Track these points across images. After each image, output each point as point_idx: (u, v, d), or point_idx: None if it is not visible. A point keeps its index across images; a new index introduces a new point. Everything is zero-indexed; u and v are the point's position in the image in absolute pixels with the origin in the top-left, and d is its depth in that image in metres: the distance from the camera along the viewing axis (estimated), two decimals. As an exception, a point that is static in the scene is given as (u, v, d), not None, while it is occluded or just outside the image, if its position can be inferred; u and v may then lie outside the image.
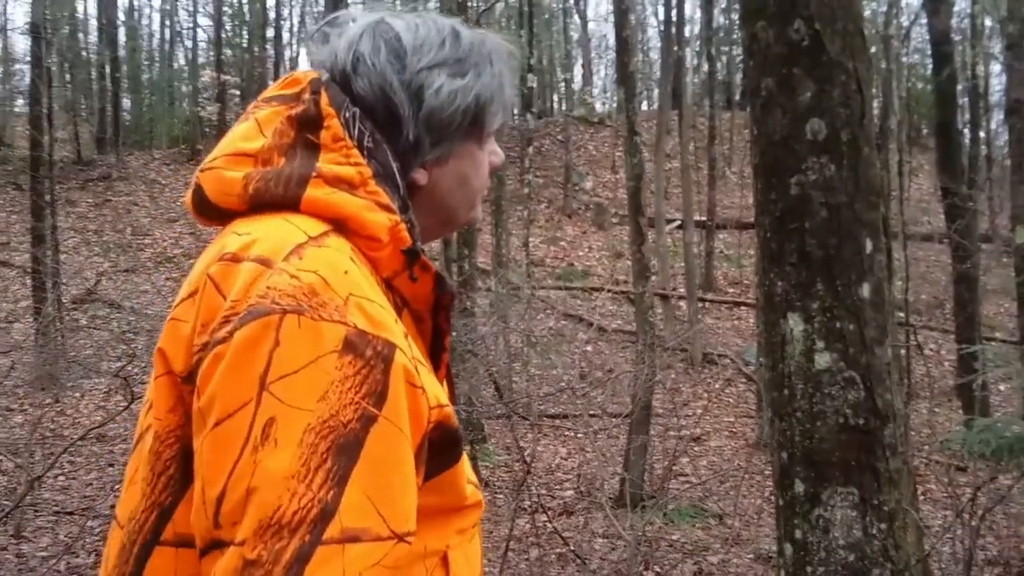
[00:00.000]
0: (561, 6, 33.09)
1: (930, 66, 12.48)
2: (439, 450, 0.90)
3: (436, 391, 0.90)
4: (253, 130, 0.97)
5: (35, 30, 12.83)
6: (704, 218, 18.13)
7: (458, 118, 1.03)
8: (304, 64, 1.10)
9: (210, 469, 0.78)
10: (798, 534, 2.53)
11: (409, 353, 0.86)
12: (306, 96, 0.97)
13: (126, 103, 26.87)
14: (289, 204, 0.92)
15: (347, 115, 0.97)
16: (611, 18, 25.95)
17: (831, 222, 2.47)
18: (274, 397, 0.77)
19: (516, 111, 27.15)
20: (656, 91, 25.83)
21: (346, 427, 0.78)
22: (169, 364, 0.87)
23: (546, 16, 31.52)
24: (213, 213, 0.97)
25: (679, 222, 17.57)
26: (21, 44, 25.41)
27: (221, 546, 0.76)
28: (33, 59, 13.21)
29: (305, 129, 0.95)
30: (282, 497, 0.75)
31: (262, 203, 0.92)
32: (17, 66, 24.72)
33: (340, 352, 0.80)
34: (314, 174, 0.92)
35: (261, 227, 0.89)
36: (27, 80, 15.45)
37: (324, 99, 0.96)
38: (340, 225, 0.92)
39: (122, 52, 25.01)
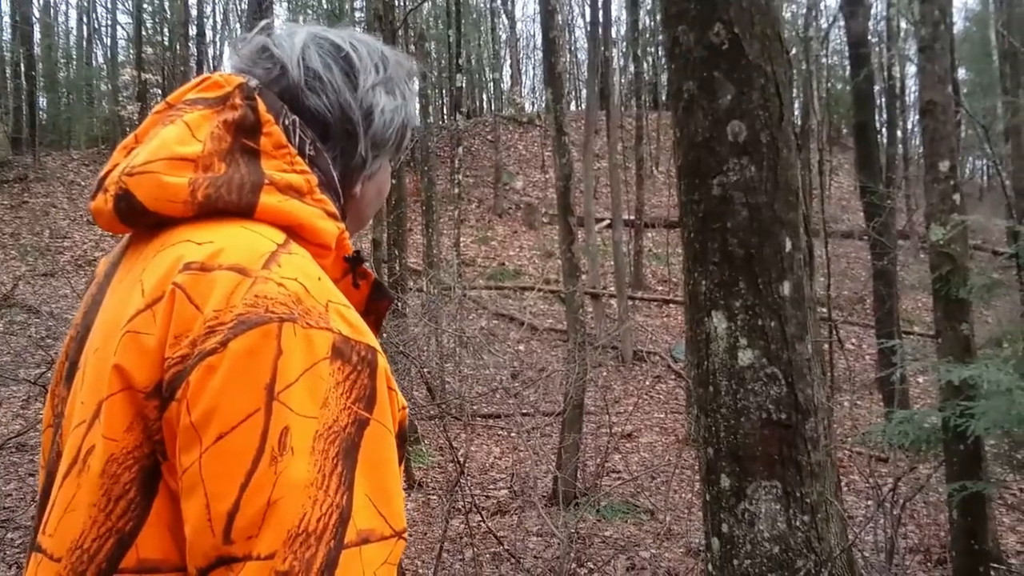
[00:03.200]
0: (489, 6, 33.17)
1: (848, 68, 12.78)
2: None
3: (400, 393, 0.91)
4: (186, 134, 0.94)
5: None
6: (632, 217, 18.34)
7: (394, 136, 1.08)
8: (228, 66, 1.08)
9: (217, 483, 0.76)
10: (724, 528, 2.58)
11: (384, 357, 0.87)
12: (237, 101, 0.96)
13: (42, 102, 26.08)
14: (244, 211, 0.90)
15: (286, 122, 0.97)
16: (538, 18, 26.11)
17: (752, 222, 2.52)
18: (284, 406, 0.77)
19: (446, 111, 27.13)
20: (584, 91, 26.03)
21: (345, 431, 0.79)
22: (129, 379, 0.82)
23: (474, 16, 31.57)
24: (145, 220, 0.93)
25: (608, 221, 17.73)
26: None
27: (232, 562, 0.75)
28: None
29: (243, 135, 0.94)
30: (305, 505, 0.75)
31: (213, 210, 0.90)
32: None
33: (331, 358, 0.80)
34: (266, 181, 0.92)
35: (222, 235, 0.87)
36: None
37: (261, 105, 0.95)
38: (293, 233, 0.92)
39: (37, 50, 24.20)
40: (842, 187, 24.35)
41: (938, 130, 5.40)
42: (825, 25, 20.34)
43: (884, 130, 17.61)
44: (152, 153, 0.93)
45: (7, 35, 25.13)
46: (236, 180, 0.91)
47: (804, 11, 16.70)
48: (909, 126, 26.84)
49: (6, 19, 25.32)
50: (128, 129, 22.70)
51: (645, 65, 27.31)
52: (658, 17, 26.46)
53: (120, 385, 0.82)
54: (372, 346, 0.84)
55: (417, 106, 1.14)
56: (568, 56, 30.27)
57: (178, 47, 24.83)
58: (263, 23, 1.08)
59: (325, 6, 27.54)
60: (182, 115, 0.97)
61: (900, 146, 22.58)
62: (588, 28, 20.81)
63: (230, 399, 0.77)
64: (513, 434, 8.98)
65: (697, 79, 2.55)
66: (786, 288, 2.53)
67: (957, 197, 5.38)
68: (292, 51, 1.01)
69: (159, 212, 0.91)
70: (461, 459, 6.15)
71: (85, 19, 29.47)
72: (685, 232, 2.70)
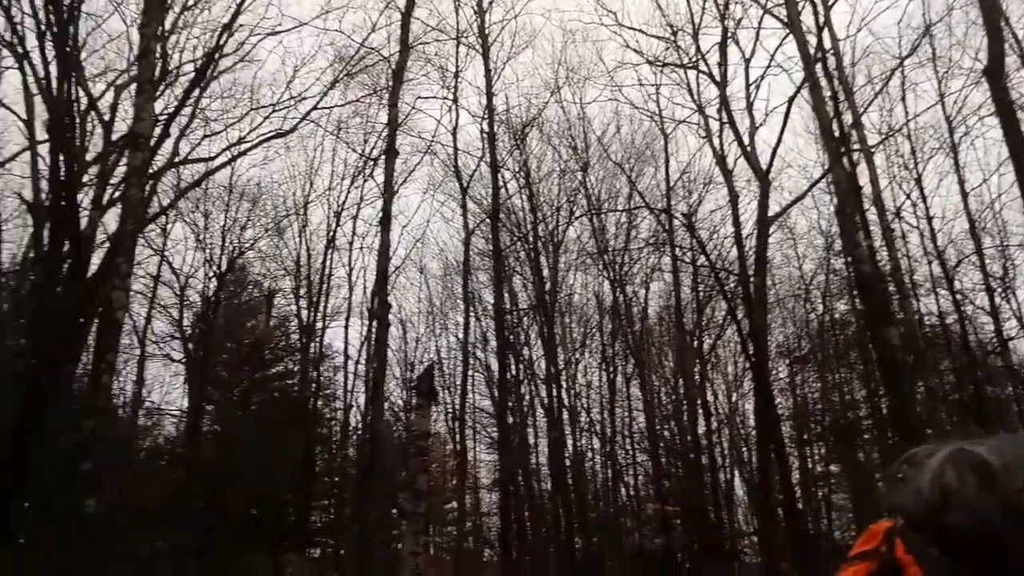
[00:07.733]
0: None
1: None
2: None
3: None
4: None
5: (503, 486, 14.35)
6: None
7: None
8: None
9: None
10: None
11: None
12: (883, 548, 0.98)
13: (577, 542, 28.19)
14: None
15: (927, 560, 0.94)
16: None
17: None
18: None
19: None
20: None
21: None
22: None
23: None
24: None
25: None
26: (487, 496, 28.54)
27: None
28: (501, 511, 14.60)
29: None
30: None
31: None
32: (484, 518, 27.52)
33: None
34: None
35: None
36: (495, 529, 16.94)
37: (899, 548, 0.95)
38: None
39: (572, 495, 26.69)
40: None
41: None
42: None
43: None
44: None
45: (547, 486, 28.15)
46: None
47: None
48: None
49: (544, 469, 28.57)
50: (656, 562, 23.36)
51: None
52: None
53: None
54: None
55: None
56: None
57: (694, 480, 25.86)
58: (918, 449, 1.05)
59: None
60: (842, 571, 1.02)
61: None
62: None
63: None
64: None
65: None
66: None
67: None
68: (929, 473, 0.97)
69: None
70: None
71: (610, 462, 32.12)
72: None
